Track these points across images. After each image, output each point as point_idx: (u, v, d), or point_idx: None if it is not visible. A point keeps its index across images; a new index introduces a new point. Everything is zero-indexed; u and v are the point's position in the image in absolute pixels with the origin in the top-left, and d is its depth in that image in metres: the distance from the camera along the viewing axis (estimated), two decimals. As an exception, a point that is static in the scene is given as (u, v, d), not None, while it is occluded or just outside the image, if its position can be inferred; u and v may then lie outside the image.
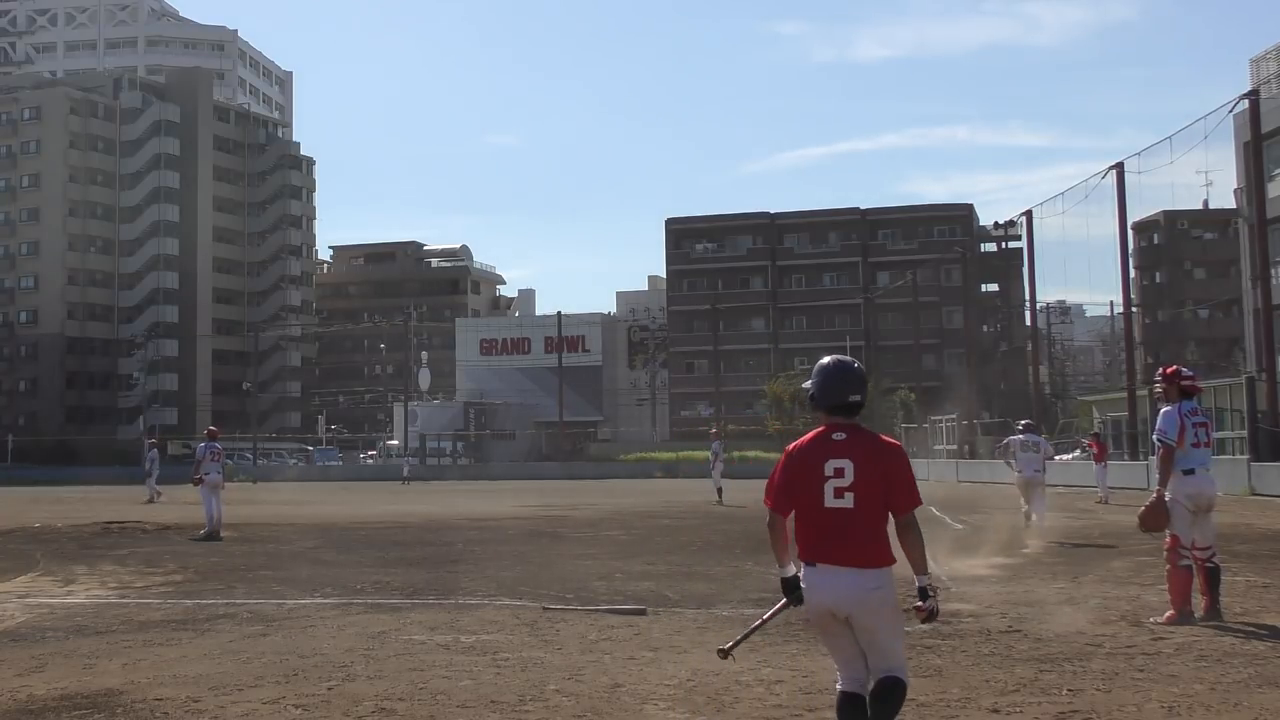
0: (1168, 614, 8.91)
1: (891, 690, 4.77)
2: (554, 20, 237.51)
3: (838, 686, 4.92)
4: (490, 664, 7.62)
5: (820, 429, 4.99)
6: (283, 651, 8.21)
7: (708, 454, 33.32)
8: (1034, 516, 17.78)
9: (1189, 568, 8.97)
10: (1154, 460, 9.21)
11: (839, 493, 4.78)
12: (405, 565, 14.31)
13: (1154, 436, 9.22)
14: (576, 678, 7.13)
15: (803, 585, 4.85)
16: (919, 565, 4.83)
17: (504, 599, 10.95)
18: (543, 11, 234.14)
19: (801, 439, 5.06)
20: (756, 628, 5.42)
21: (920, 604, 4.83)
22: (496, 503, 31.29)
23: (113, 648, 8.55)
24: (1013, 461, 18.07)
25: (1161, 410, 9.24)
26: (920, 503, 4.87)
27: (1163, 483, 8.98)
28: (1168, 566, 9.09)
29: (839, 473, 4.80)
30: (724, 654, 5.24)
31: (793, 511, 4.90)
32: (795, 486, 4.89)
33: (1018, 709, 6.23)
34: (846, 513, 4.77)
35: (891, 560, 4.78)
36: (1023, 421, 20.54)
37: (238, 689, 6.96)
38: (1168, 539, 9.09)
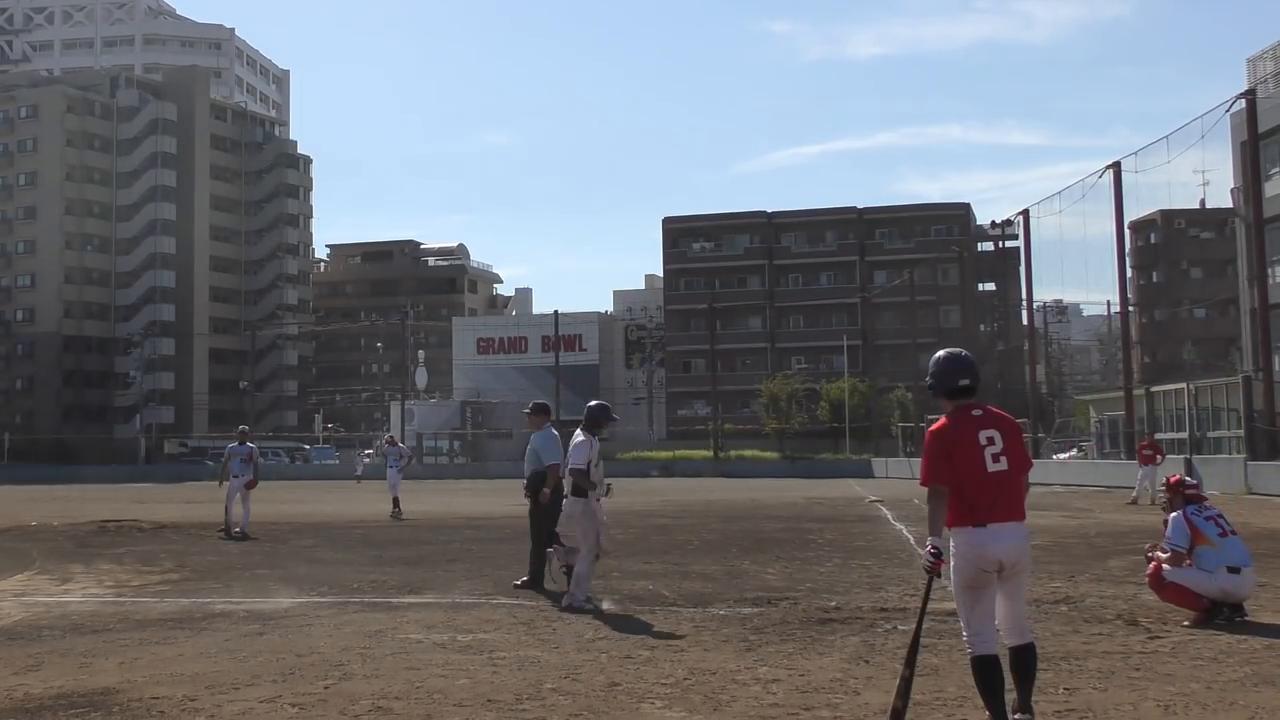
0: (1195, 616, 8.88)
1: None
2: (549, 19, 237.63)
3: (972, 652, 5.50)
4: (487, 663, 7.62)
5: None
6: (279, 650, 8.21)
7: (705, 454, 33.44)
8: None
9: (1173, 583, 8.96)
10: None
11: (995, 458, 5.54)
12: (402, 564, 14.31)
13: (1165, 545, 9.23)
14: (573, 676, 7.13)
15: (966, 545, 5.49)
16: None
17: (501, 598, 10.96)
18: (537, 10, 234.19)
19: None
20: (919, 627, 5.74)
21: None
22: (493, 502, 31.27)
23: (109, 646, 8.55)
24: None
25: (1170, 518, 9.27)
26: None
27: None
28: (1159, 594, 9.12)
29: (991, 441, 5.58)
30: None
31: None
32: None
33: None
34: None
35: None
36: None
37: (234, 688, 6.95)
38: (1151, 566, 9.17)
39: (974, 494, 5.43)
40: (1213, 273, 79.93)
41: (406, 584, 12.20)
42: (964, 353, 5.85)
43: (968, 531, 5.42)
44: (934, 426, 5.73)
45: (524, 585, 11.53)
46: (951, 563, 5.48)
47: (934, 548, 5.48)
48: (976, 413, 5.59)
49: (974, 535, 5.40)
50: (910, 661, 5.60)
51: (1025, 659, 5.53)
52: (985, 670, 5.44)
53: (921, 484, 5.59)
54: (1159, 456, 27.31)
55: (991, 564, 5.41)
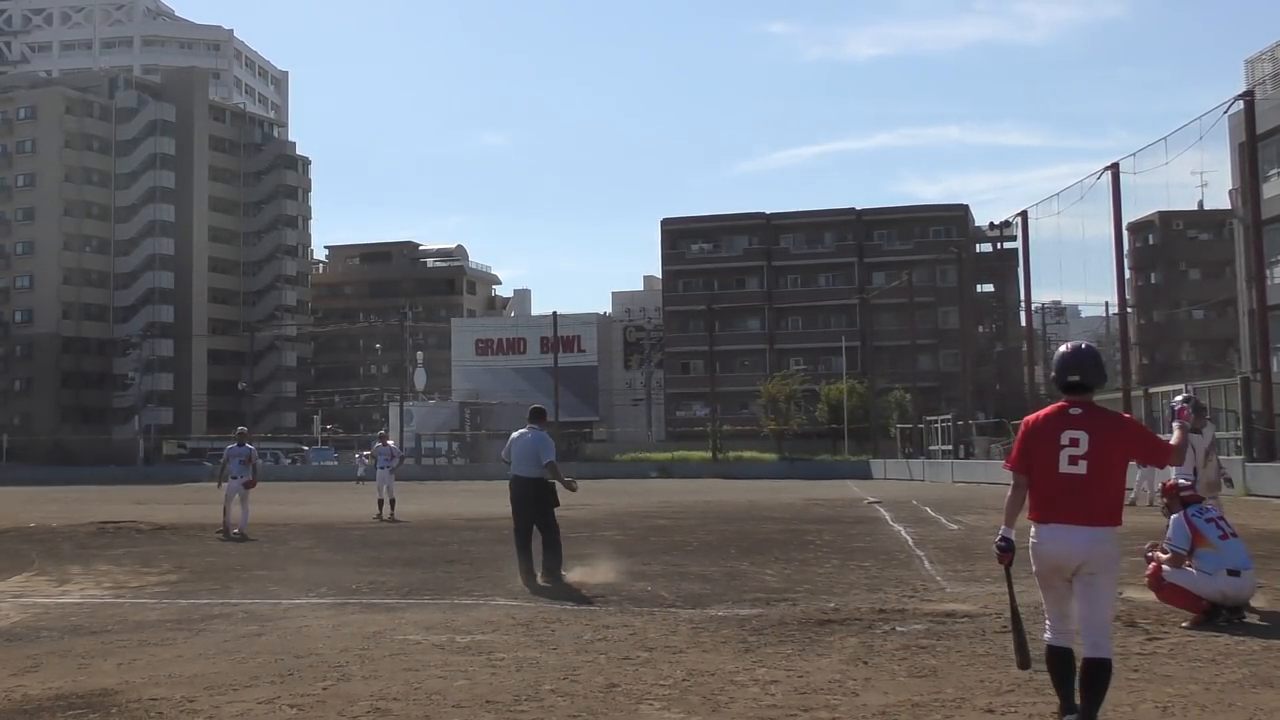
0: (1194, 617, 8.88)
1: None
2: (547, 20, 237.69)
3: (1046, 639, 5.55)
4: (485, 664, 7.62)
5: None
6: (278, 651, 8.21)
7: (703, 455, 33.40)
8: None
9: (1172, 584, 8.97)
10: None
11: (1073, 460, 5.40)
12: (401, 565, 14.31)
13: (1165, 545, 9.26)
14: (572, 678, 7.13)
15: (1032, 540, 5.50)
16: None
17: (500, 599, 10.96)
18: (536, 11, 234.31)
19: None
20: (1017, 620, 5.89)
21: None
22: (492, 503, 31.23)
23: (108, 647, 8.55)
24: None
25: (1171, 519, 9.29)
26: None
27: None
28: (1157, 594, 9.12)
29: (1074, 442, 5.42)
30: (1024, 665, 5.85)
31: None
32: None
33: (1012, 709, 6.24)
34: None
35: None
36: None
37: (233, 689, 6.96)
38: (1150, 567, 9.18)
39: (1041, 491, 5.45)
40: (1211, 274, 80.00)
41: (405, 585, 12.20)
42: (1085, 346, 5.68)
43: (1035, 528, 5.48)
44: (1029, 416, 5.77)
45: (554, 579, 11.83)
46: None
47: (1002, 538, 5.60)
48: (1075, 411, 5.46)
49: (1038, 531, 5.46)
50: (1017, 628, 5.80)
51: (1091, 674, 5.42)
52: (1053, 660, 5.55)
53: (1005, 467, 5.74)
54: None
55: (1048, 563, 5.43)
